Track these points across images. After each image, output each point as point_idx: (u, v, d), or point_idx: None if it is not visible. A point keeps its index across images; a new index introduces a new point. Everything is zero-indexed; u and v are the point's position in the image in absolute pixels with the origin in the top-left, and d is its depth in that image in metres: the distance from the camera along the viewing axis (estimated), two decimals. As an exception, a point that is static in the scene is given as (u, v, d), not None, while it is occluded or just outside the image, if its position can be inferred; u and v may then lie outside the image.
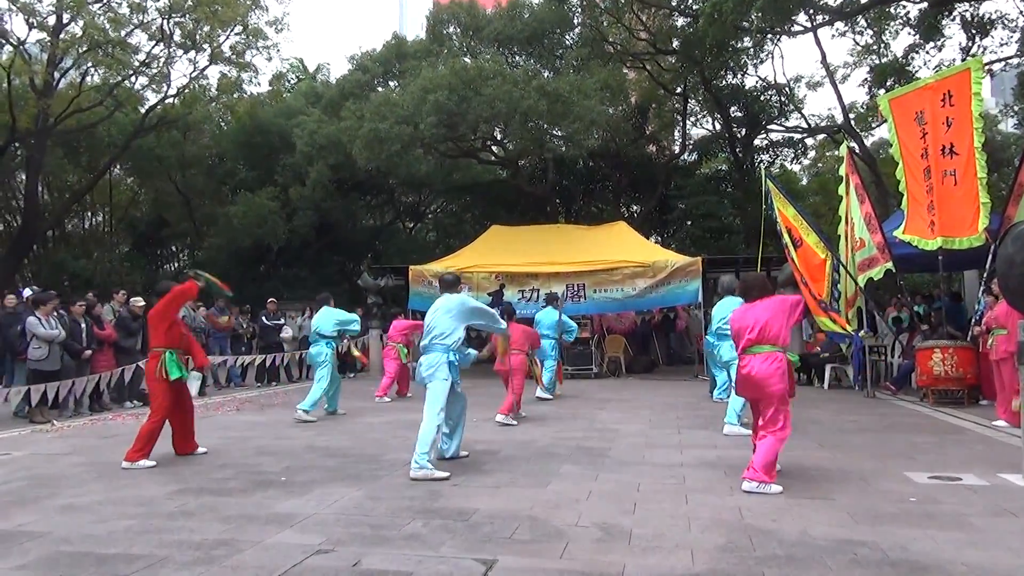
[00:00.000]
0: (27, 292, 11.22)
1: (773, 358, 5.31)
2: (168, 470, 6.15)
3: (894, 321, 13.05)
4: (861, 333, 10.97)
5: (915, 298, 13.68)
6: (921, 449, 6.71)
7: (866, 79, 21.07)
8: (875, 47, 21.23)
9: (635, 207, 26.02)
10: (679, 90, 23.36)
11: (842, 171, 12.06)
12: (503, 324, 6.66)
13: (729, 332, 8.95)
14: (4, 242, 24.10)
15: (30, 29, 18.13)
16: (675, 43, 21.46)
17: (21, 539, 4.20)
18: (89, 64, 19.45)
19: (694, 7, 19.27)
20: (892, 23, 19.75)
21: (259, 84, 24.69)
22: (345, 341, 10.45)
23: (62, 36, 18.11)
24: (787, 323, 5.41)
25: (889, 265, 10.63)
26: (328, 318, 9.73)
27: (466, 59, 18.93)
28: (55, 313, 10.10)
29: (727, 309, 8.38)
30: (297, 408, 9.12)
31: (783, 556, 3.77)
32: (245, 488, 5.44)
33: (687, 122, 24.79)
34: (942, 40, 18.90)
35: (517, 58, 20.92)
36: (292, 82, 29.00)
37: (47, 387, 9.49)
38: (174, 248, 29.66)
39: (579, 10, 20.86)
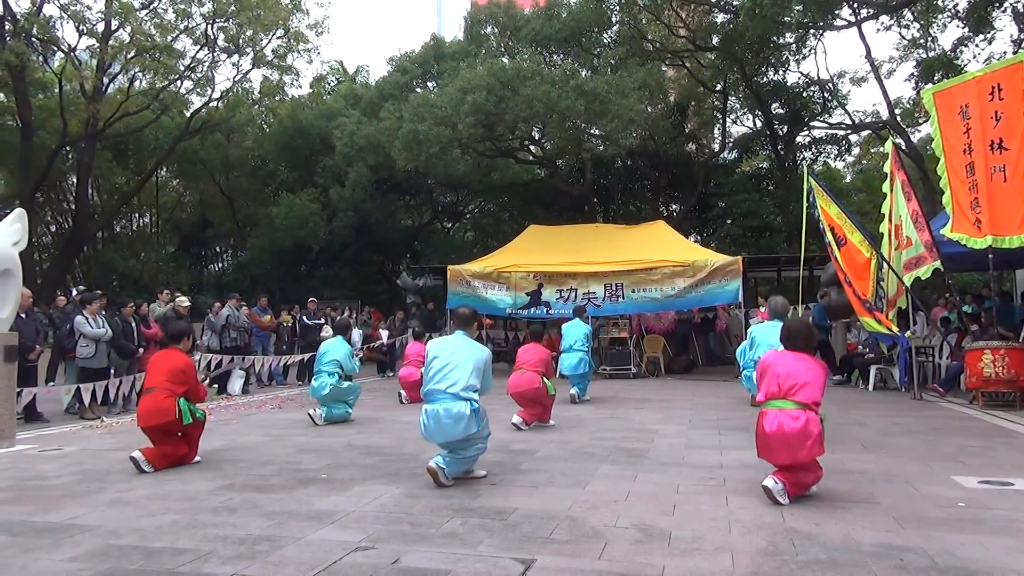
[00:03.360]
0: (74, 292, 11.57)
1: (808, 418, 4.68)
2: (212, 467, 6.27)
3: (943, 321, 12.74)
4: (908, 334, 10.72)
5: (964, 298, 13.32)
6: (970, 453, 6.53)
7: (912, 74, 20.60)
8: (922, 41, 20.75)
9: (674, 206, 25.81)
10: (719, 87, 23.10)
11: (887, 168, 11.78)
12: (489, 387, 5.79)
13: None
14: (56, 243, 24.88)
15: (80, 36, 18.71)
16: (715, 40, 21.24)
17: (72, 532, 4.33)
18: (136, 69, 20.02)
19: (734, 3, 19.04)
20: (940, 16, 19.27)
21: (300, 87, 25.21)
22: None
23: (111, 42, 18.63)
24: (822, 384, 4.87)
25: (937, 264, 10.36)
26: (344, 350, 9.19)
27: (504, 59, 18.99)
28: (102, 312, 10.40)
29: (768, 335, 8.19)
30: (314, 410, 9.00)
31: (826, 560, 3.70)
32: (287, 485, 5.53)
33: (727, 120, 24.50)
34: (992, 32, 18.41)
35: (555, 58, 20.92)
36: (332, 84, 29.40)
37: (95, 385, 9.76)
38: (218, 248, 30.32)
39: (617, 8, 20.77)
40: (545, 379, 8.25)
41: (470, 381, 5.34)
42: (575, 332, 10.94)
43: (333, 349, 9.17)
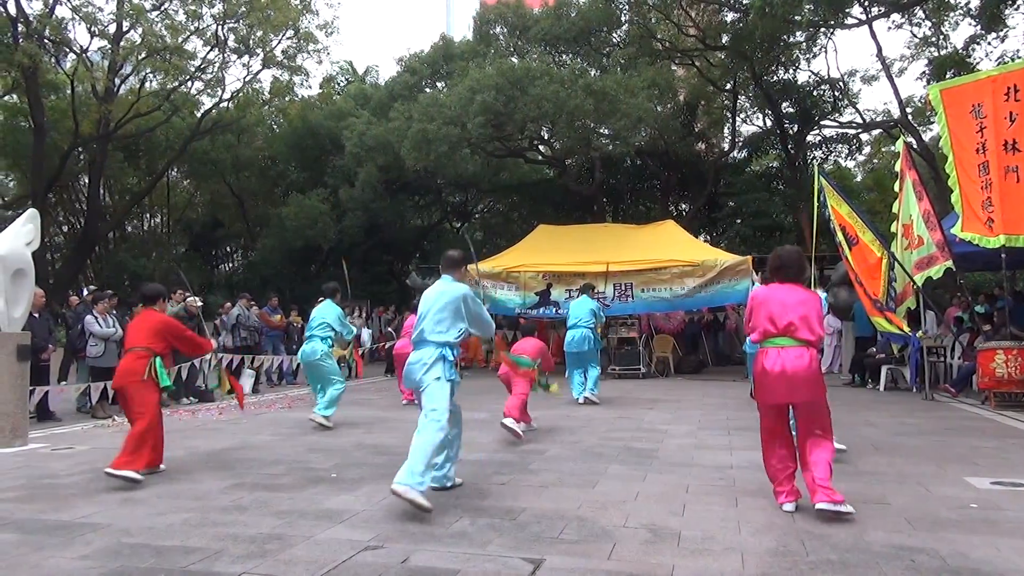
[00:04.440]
0: (85, 292, 11.64)
1: (811, 355, 4.47)
2: (223, 466, 6.30)
3: (955, 321, 12.66)
4: (919, 334, 10.65)
5: (977, 297, 13.23)
6: (983, 453, 6.49)
7: (924, 72, 20.41)
8: (934, 39, 20.57)
9: (684, 205, 25.74)
10: (729, 86, 22.99)
11: (898, 167, 11.72)
12: (492, 330, 5.58)
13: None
14: (69, 243, 25.05)
15: (92, 37, 18.81)
16: (724, 39, 21.15)
17: (84, 530, 4.35)
18: (148, 70, 20.12)
19: (744, 1, 18.96)
20: (952, 14, 19.09)
21: (310, 87, 25.19)
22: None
23: (122, 43, 18.73)
24: (820, 316, 4.60)
25: (949, 264, 10.29)
26: (335, 312, 8.80)
27: (513, 59, 19.00)
28: (112, 311, 10.46)
29: None
30: (314, 412, 8.46)
31: (837, 561, 3.68)
32: (296, 484, 5.55)
33: (737, 119, 24.38)
34: (1005, 30, 18.24)
35: (564, 57, 20.91)
36: (342, 84, 29.46)
37: (106, 384, 9.81)
38: (228, 248, 30.45)
39: (627, 7, 20.71)
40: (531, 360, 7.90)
41: (438, 326, 4.99)
42: (581, 309, 10.52)
43: (323, 312, 8.77)
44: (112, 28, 18.61)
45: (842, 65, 51.98)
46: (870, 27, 19.22)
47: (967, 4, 18.49)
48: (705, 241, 20.45)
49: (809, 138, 24.26)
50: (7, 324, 7.73)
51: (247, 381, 12.84)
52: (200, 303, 12.40)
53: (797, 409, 4.56)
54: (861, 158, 28.41)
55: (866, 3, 18.32)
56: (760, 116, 25.12)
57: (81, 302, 11.25)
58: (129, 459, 5.47)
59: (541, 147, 22.93)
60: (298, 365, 14.39)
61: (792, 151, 23.50)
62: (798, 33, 19.74)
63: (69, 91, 19.99)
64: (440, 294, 5.09)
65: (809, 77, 22.98)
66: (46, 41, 18.39)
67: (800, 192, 20.38)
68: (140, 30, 18.38)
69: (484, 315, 5.27)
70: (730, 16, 21.36)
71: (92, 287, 15.15)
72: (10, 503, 5.05)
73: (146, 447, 5.65)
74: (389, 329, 16.98)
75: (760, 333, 4.63)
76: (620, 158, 22.46)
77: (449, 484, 5.27)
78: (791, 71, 22.36)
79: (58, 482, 5.70)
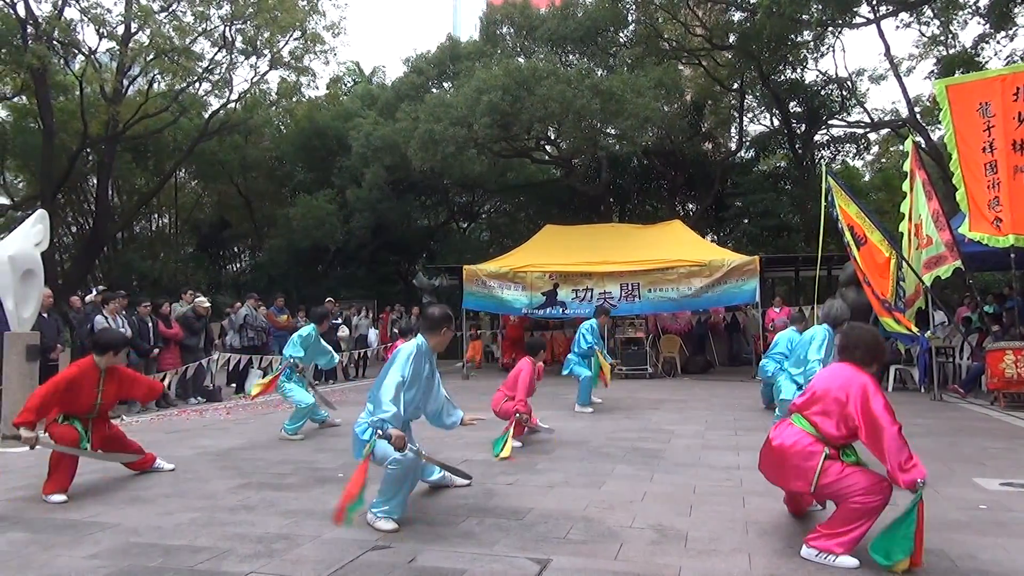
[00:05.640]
0: (89, 297, 11.68)
1: (801, 439, 3.83)
2: (230, 466, 6.32)
3: (964, 321, 12.59)
4: (928, 334, 10.60)
5: (986, 297, 13.17)
6: (992, 454, 6.45)
7: (933, 71, 20.36)
8: (942, 38, 20.49)
9: (691, 205, 25.67)
10: (736, 86, 22.95)
11: (907, 167, 11.67)
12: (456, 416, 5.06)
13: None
14: (77, 244, 25.18)
15: (100, 39, 18.90)
16: (732, 38, 21.10)
17: (93, 529, 4.38)
18: (156, 71, 20.20)
19: (751, 1, 18.92)
20: (960, 12, 19.01)
21: (317, 88, 25.32)
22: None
23: (130, 45, 18.80)
24: (856, 409, 3.70)
25: (958, 264, 10.26)
26: (297, 335, 8.21)
27: (520, 59, 18.99)
28: (122, 312, 10.52)
29: (784, 339, 8.11)
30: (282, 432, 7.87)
31: (845, 562, 3.67)
32: (303, 484, 5.56)
33: (744, 118, 24.33)
34: (1015, 29, 18.15)
35: (571, 57, 20.88)
36: (349, 85, 29.51)
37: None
38: (236, 249, 30.53)
39: (633, 7, 20.68)
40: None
41: (371, 399, 4.51)
42: (579, 333, 10.19)
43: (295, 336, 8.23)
44: (120, 30, 18.69)
45: (850, 64, 51.99)
46: (878, 26, 19.15)
47: (976, 3, 18.41)
48: (712, 241, 20.41)
49: (817, 138, 24.20)
50: (17, 324, 7.78)
51: (254, 381, 12.88)
52: (208, 304, 12.48)
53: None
54: (869, 158, 28.36)
55: (874, 2, 18.25)
56: (767, 116, 25.08)
57: (88, 303, 11.30)
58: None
59: (548, 147, 22.92)
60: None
61: (800, 151, 23.44)
62: (806, 32, 19.69)
63: (78, 92, 20.10)
64: (390, 363, 4.57)
65: (817, 76, 22.96)
66: (55, 43, 18.48)
67: (808, 192, 20.32)
68: (148, 31, 18.45)
69: (391, 383, 4.40)
70: (737, 15, 21.32)
71: (101, 287, 15.20)
72: (19, 502, 5.08)
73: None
74: (395, 330, 17.01)
75: (790, 407, 4.11)
76: (627, 158, 22.41)
77: (458, 483, 5.33)
78: (799, 70, 22.32)
79: (67, 481, 5.73)
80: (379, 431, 4.23)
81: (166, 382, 10.80)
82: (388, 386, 4.35)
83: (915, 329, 10.44)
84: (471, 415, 5.33)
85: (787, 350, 8.64)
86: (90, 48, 19.58)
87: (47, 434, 5.27)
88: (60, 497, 5.07)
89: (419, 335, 4.76)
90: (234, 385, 12.89)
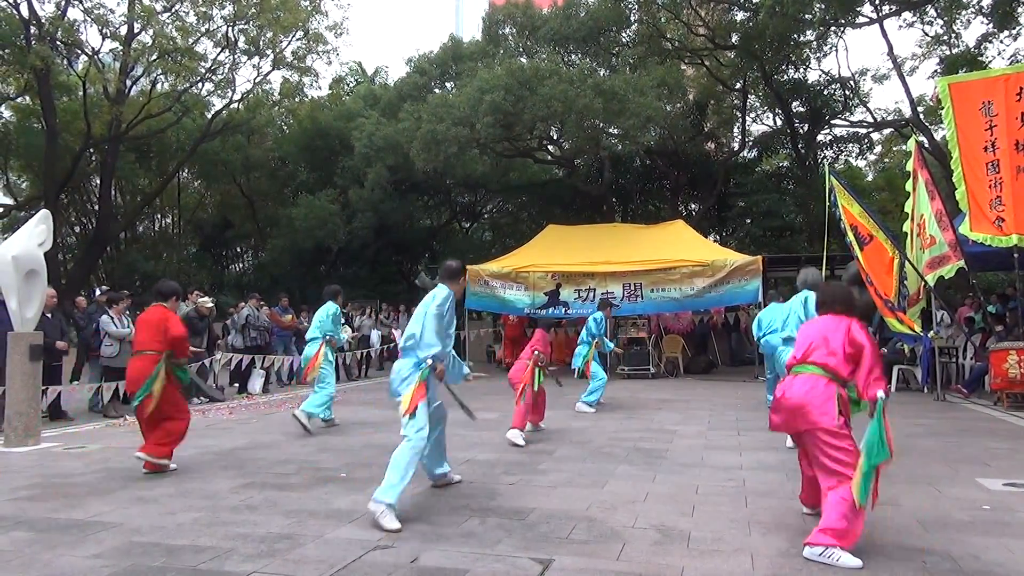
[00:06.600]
0: (98, 292, 11.71)
1: (816, 381, 3.93)
2: (233, 465, 6.32)
3: (967, 322, 12.57)
4: (931, 334, 10.59)
5: (989, 297, 13.14)
6: (995, 455, 6.44)
7: (936, 71, 20.31)
8: (945, 37, 20.44)
9: (693, 205, 25.63)
10: (738, 86, 22.92)
11: (910, 166, 11.65)
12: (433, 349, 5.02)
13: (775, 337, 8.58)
14: (80, 244, 25.23)
15: (103, 39, 18.95)
16: (734, 38, 21.08)
17: (96, 529, 4.38)
18: (158, 72, 20.24)
19: (754, 0, 18.89)
20: (963, 12, 18.97)
21: (319, 88, 25.29)
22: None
23: (133, 45, 18.85)
24: (846, 342, 3.94)
25: (961, 263, 10.23)
26: (326, 311, 8.80)
27: (522, 59, 18.99)
28: (127, 312, 10.54)
29: (771, 314, 8.01)
30: (299, 410, 8.16)
31: (848, 563, 3.66)
32: (306, 484, 5.56)
33: (747, 118, 24.29)
34: (1018, 28, 18.11)
35: (573, 57, 20.88)
36: (351, 85, 29.52)
37: (119, 384, 9.87)
38: (238, 249, 30.56)
39: (636, 7, 20.66)
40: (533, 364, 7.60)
41: (410, 332, 4.94)
42: (588, 323, 10.09)
43: (319, 313, 8.82)
44: (123, 30, 18.73)
45: (853, 64, 51.87)
46: (881, 26, 19.12)
47: (979, 2, 18.37)
48: (715, 241, 20.38)
49: (820, 137, 24.17)
50: (20, 324, 7.79)
51: (257, 381, 12.90)
52: (212, 303, 12.48)
53: (802, 441, 4.13)
54: (872, 157, 28.32)
55: (877, 1, 18.22)
56: (770, 115, 25.05)
57: (92, 303, 11.32)
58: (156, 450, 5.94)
59: (550, 147, 22.91)
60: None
61: (802, 150, 23.40)
62: (808, 32, 19.66)
63: (81, 93, 20.14)
64: (421, 304, 5.03)
65: (819, 76, 22.90)
66: (58, 43, 18.52)
67: (810, 192, 20.29)
68: (151, 32, 18.50)
69: (431, 326, 4.88)
70: (740, 15, 21.29)
71: (104, 287, 15.23)
72: (23, 502, 5.08)
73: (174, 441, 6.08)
74: (395, 330, 17.03)
75: (787, 365, 4.26)
76: (629, 158, 22.40)
77: (452, 479, 5.43)
78: (801, 70, 22.29)
79: (70, 481, 5.74)
80: (428, 362, 4.81)
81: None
82: (428, 327, 4.88)
83: (918, 329, 10.42)
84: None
85: (781, 324, 8.42)
86: (93, 48, 19.65)
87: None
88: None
89: (439, 284, 5.21)
90: (236, 385, 12.89)
